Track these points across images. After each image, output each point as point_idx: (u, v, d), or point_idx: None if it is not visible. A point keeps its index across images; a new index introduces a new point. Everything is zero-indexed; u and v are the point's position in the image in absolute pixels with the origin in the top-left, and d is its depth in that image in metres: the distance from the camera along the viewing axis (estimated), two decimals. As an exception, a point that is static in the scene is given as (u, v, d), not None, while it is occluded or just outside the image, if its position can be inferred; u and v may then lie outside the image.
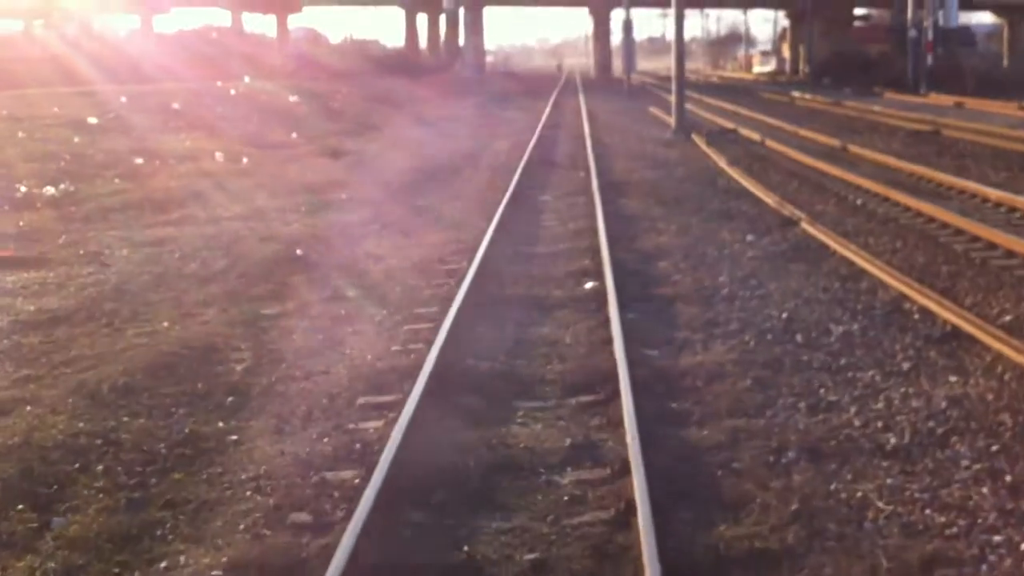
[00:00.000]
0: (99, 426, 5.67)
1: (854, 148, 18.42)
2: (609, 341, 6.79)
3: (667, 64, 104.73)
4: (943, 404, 5.56)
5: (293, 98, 35.40)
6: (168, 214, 13.08)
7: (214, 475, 5.09)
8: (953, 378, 6.00)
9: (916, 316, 7.30)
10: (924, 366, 6.23)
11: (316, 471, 5.05)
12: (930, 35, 40.45)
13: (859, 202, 12.48)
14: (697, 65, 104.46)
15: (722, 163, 16.88)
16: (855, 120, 26.25)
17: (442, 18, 67.96)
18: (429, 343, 6.92)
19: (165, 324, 7.85)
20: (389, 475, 4.67)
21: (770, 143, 19.77)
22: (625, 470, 4.77)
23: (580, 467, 5.02)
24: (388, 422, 5.54)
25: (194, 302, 8.52)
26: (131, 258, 10.27)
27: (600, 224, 11.02)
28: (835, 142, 19.60)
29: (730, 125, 24.42)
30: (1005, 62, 61.18)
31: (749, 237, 10.46)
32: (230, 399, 6.16)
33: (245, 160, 19.56)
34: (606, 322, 7.30)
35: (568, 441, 5.28)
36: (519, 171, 16.11)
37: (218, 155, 20.07)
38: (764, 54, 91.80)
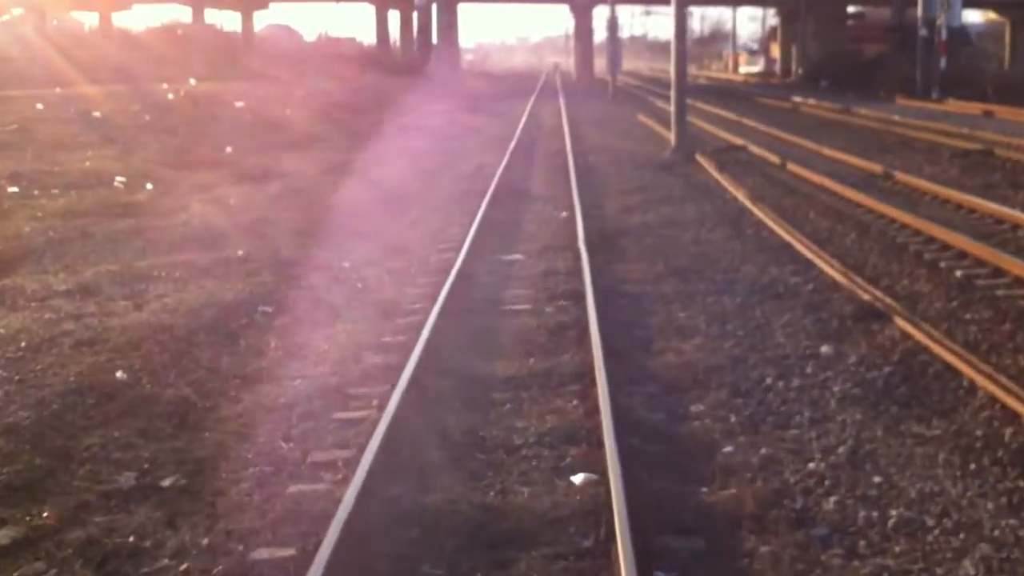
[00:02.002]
0: None
1: (901, 175, 14.79)
2: None
3: (651, 65, 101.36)
4: None
5: (240, 103, 31.59)
6: (-16, 284, 9.29)
7: None
8: None
9: None
10: None
11: None
12: (944, 35, 36.88)
13: (959, 274, 8.79)
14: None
15: (742, 197, 13.21)
16: (879, 134, 22.59)
17: (415, 15, 64.26)
18: None
19: None
20: None
21: (793, 167, 16.10)
22: None
23: None
24: None
25: None
26: None
27: (592, 316, 7.32)
28: (873, 166, 15.96)
29: (737, 140, 20.77)
30: (1006, 64, 57.93)
31: (824, 348, 6.75)
32: None
33: (149, 187, 15.84)
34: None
35: None
36: (482, 209, 12.40)
37: (118, 180, 16.31)
38: (751, 54, 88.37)
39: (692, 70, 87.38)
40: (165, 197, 14.88)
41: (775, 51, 73.67)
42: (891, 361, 6.45)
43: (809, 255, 9.62)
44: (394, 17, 67.90)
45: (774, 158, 17.37)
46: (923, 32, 38.32)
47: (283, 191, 15.30)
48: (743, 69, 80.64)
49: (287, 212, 13.14)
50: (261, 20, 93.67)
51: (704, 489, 4.74)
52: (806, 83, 52.68)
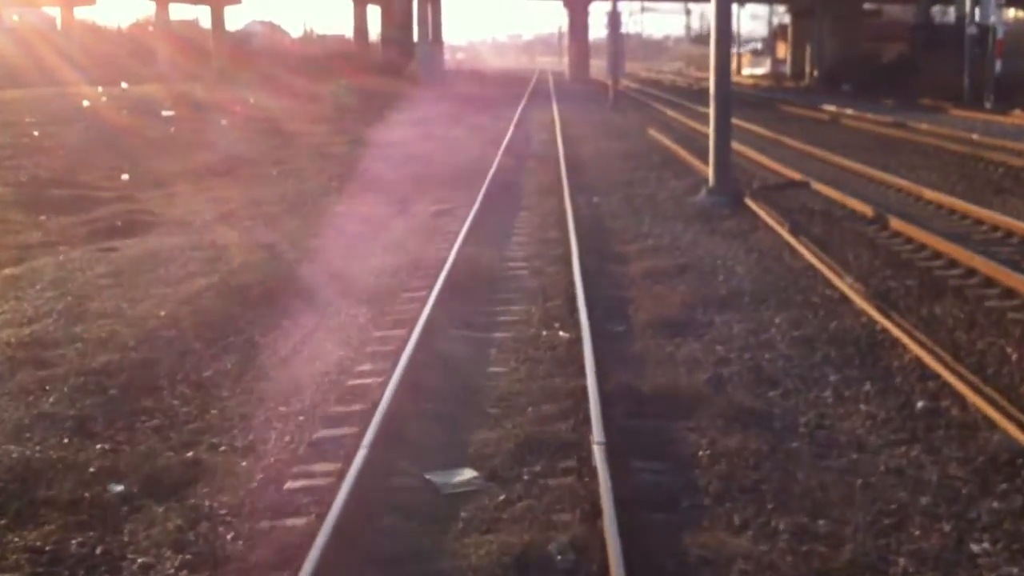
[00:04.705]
0: None
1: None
2: None
3: (648, 66, 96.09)
4: None
5: (167, 113, 26.33)
6: None
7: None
8: None
9: None
10: None
11: None
12: (1000, 33, 31.62)
13: None
14: (679, 65, 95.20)
15: (856, 296, 7.92)
16: (971, 162, 17.16)
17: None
18: None
19: None
20: None
21: (900, 225, 10.81)
22: None
23: None
24: None
25: None
26: None
27: None
28: (1019, 225, 10.69)
29: (790, 171, 15.49)
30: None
31: None
32: None
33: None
34: None
35: None
36: (420, 325, 7.09)
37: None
38: (756, 54, 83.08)
39: (692, 71, 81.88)
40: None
41: (782, 51, 68.41)
42: None
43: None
44: (374, 12, 62.70)
45: (860, 206, 12.08)
46: (972, 30, 33.04)
47: (132, 263, 9.97)
48: (746, 71, 75.39)
49: (100, 319, 7.79)
50: (241, 16, 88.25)
51: None
52: (826, 87, 47.46)
